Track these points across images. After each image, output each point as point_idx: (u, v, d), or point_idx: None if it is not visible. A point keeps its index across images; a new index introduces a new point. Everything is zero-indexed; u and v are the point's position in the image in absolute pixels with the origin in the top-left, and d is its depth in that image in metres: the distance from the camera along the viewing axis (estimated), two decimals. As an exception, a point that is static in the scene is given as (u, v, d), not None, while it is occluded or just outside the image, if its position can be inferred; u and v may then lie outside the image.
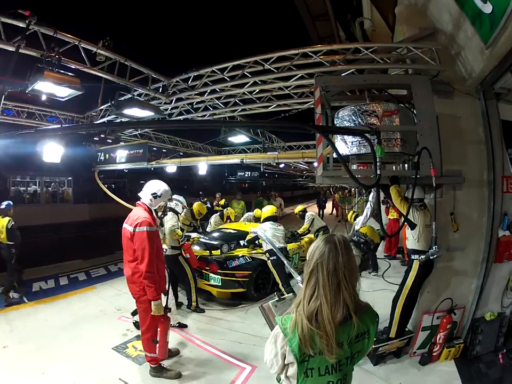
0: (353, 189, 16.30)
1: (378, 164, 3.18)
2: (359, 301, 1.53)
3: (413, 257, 3.93)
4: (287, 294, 5.34)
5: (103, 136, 10.28)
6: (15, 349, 4.28)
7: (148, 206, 3.70)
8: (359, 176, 3.96)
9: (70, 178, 19.93)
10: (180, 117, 7.77)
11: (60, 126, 4.63)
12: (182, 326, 4.99)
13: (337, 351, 1.41)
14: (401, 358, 4.09)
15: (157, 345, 3.66)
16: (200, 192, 12.13)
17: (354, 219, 7.82)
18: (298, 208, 8.96)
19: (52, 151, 7.61)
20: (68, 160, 12.93)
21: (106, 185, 20.65)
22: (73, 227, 14.92)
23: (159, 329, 3.64)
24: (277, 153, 8.44)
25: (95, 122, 8.07)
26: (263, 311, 2.16)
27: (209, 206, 11.57)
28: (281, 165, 14.90)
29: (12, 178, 17.84)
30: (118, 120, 6.89)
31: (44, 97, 5.48)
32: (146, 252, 3.37)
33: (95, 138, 10.89)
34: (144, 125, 4.12)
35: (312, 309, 1.43)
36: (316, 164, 12.84)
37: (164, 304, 3.68)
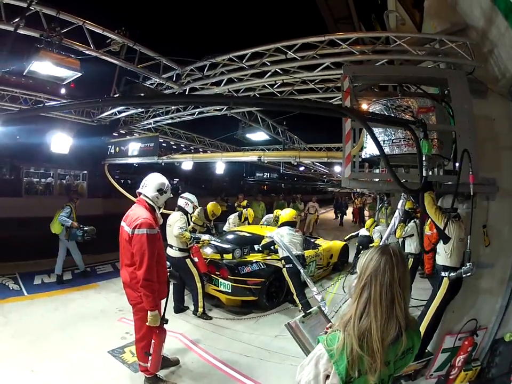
0: (372, 195, 15.67)
1: (424, 163, 2.79)
2: (409, 316, 1.44)
3: (443, 274, 3.58)
4: (301, 305, 5.04)
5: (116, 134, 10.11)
6: (7, 342, 4.14)
7: (150, 204, 3.39)
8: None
9: (85, 172, 19.92)
10: (195, 110, 7.44)
11: (42, 105, 4.33)
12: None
13: (383, 371, 1.33)
14: (417, 380, 3.75)
15: (150, 357, 3.32)
16: (223, 194, 11.93)
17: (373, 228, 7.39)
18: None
19: (60, 142, 7.52)
20: (83, 153, 12.91)
21: (122, 181, 20.86)
22: (85, 221, 14.60)
23: (153, 341, 3.30)
24: (298, 151, 7.97)
25: (106, 112, 7.83)
26: (290, 329, 2.04)
27: (230, 204, 11.29)
28: (301, 168, 14.55)
29: (25, 169, 17.81)
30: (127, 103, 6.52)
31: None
32: (145, 257, 3.06)
33: (114, 134, 10.66)
34: (141, 102, 3.81)
35: (364, 328, 1.32)
36: (336, 169, 12.52)
37: (162, 314, 3.39)
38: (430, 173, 4.01)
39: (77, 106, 5.04)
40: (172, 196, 3.66)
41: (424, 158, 2.83)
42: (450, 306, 3.68)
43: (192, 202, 5.65)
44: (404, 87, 4.47)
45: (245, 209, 8.89)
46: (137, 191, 3.50)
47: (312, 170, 14.40)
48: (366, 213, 15.65)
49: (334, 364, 1.32)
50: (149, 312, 3.13)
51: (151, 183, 3.44)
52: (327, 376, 1.37)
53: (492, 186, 3.64)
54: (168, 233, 5.20)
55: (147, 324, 3.16)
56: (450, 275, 3.45)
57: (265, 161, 7.66)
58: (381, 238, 6.55)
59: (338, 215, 19.42)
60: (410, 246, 5.65)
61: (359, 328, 1.32)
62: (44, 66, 4.39)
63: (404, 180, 3.60)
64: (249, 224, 8.55)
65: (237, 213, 8.62)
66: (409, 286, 1.45)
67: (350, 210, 21.34)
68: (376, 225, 7.37)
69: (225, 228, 8.07)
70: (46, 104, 5.13)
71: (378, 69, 4.64)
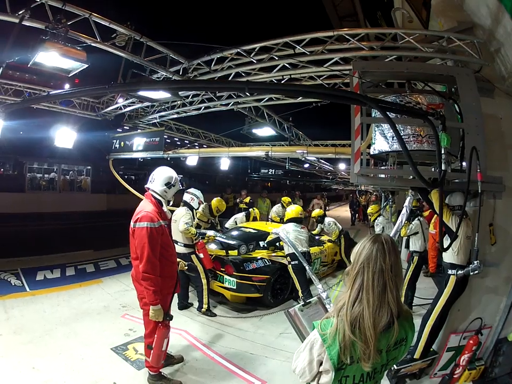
0: (375, 193, 15.62)
1: (443, 156, 2.71)
2: (402, 305, 1.46)
3: (450, 272, 3.52)
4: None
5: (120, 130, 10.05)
6: (8, 338, 4.10)
7: (156, 198, 3.38)
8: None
9: (89, 167, 19.91)
10: (201, 105, 7.36)
11: (47, 92, 4.25)
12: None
13: (375, 359, 1.35)
14: (421, 379, 3.75)
15: (151, 351, 3.29)
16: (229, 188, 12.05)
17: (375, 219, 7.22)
18: (316, 212, 8.45)
19: (64, 137, 7.49)
20: (88, 148, 12.89)
21: (126, 177, 20.84)
22: (88, 216, 14.71)
23: (155, 335, 3.26)
24: (306, 146, 7.89)
25: (111, 107, 7.76)
26: (289, 317, 2.11)
27: (235, 202, 11.51)
28: (306, 165, 14.49)
29: (28, 164, 17.74)
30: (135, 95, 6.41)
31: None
32: (145, 251, 3.06)
33: (118, 130, 10.62)
34: (155, 86, 3.80)
35: (356, 314, 1.36)
36: (340, 166, 12.36)
37: (169, 308, 3.39)
38: (434, 170, 4.01)
39: (83, 93, 4.96)
40: (181, 188, 3.68)
41: (443, 151, 2.77)
42: (456, 304, 3.65)
43: (198, 197, 5.61)
44: (411, 84, 4.42)
45: (252, 209, 8.79)
46: (145, 186, 3.49)
47: (317, 168, 14.31)
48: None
49: (327, 349, 1.36)
50: (150, 306, 3.12)
51: (159, 178, 3.44)
52: (321, 363, 1.41)
53: (499, 184, 3.60)
54: (173, 229, 5.12)
55: (149, 317, 3.16)
56: (458, 273, 3.41)
57: (273, 157, 7.59)
58: (383, 230, 6.53)
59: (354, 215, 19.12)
60: (415, 244, 5.58)
61: (351, 314, 1.36)
62: (49, 58, 4.30)
63: (411, 177, 3.62)
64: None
65: (243, 213, 8.53)
66: (401, 274, 1.47)
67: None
68: (379, 215, 7.20)
69: (227, 225, 8.00)
70: (50, 92, 5.04)
71: (388, 64, 4.56)
